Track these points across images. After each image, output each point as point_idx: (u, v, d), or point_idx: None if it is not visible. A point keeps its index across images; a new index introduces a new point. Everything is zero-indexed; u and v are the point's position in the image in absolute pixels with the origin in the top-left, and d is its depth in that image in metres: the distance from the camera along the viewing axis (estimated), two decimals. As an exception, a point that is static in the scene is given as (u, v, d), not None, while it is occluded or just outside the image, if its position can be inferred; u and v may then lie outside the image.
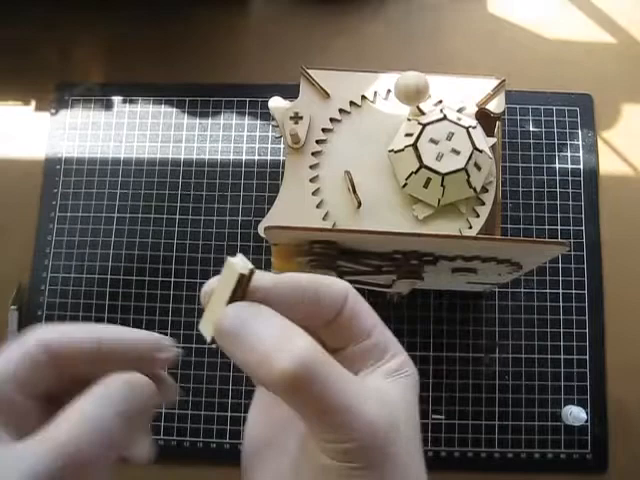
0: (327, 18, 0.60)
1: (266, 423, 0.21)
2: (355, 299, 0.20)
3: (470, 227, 0.41)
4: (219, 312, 0.18)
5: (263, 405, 0.22)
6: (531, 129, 0.56)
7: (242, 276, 0.18)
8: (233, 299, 0.18)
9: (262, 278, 0.18)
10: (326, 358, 0.17)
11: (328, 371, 0.17)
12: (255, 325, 0.17)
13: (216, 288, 0.19)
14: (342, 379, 0.17)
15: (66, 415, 0.16)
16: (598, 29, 0.59)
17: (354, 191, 0.41)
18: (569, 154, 0.55)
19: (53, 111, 0.58)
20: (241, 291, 0.18)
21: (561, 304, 0.52)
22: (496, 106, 0.44)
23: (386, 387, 0.19)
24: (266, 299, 0.18)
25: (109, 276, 0.54)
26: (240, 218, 0.55)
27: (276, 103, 0.44)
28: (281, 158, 0.55)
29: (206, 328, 0.19)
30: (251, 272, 0.18)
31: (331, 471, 0.17)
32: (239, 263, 0.18)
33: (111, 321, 0.53)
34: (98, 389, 0.17)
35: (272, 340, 0.17)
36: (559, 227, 0.54)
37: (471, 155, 0.39)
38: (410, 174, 0.40)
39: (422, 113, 0.42)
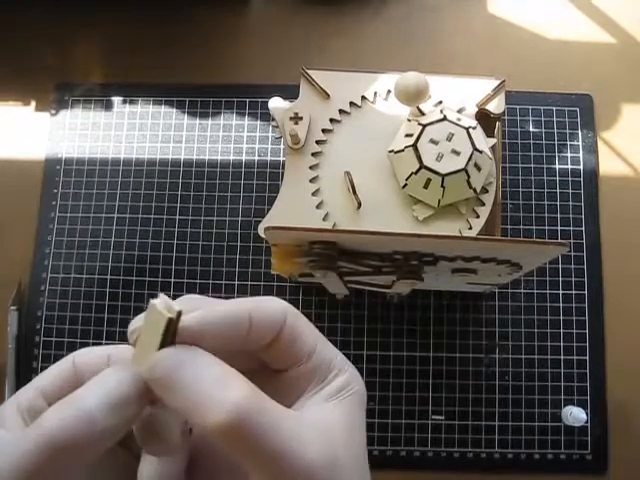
0: (327, 18, 0.60)
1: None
2: (294, 320, 0.19)
3: (470, 228, 0.41)
4: (149, 357, 0.17)
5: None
6: (531, 130, 0.56)
7: (170, 320, 0.17)
8: (164, 344, 0.17)
9: (192, 318, 0.18)
10: (261, 404, 0.17)
11: (264, 419, 0.16)
12: (187, 373, 0.17)
13: (143, 330, 0.18)
14: (279, 424, 0.17)
15: (55, 406, 0.17)
16: (598, 29, 0.59)
17: (354, 192, 0.41)
18: (569, 155, 0.55)
19: (53, 111, 0.58)
20: (171, 334, 0.17)
21: (561, 305, 0.52)
22: (496, 107, 0.44)
23: (327, 415, 0.18)
24: (198, 338, 0.18)
25: (109, 276, 0.54)
26: (240, 218, 0.55)
27: (276, 103, 0.44)
28: (281, 159, 0.55)
29: (137, 369, 0.18)
30: (179, 314, 0.17)
31: None
32: (164, 305, 0.17)
33: (111, 321, 0.53)
34: (90, 381, 0.17)
35: (205, 389, 0.16)
36: (559, 228, 0.54)
37: (471, 156, 0.39)
38: (410, 175, 0.40)
39: (422, 114, 0.42)
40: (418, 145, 0.39)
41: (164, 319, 0.17)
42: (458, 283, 0.45)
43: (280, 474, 0.16)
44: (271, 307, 0.19)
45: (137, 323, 0.19)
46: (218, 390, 0.16)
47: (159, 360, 0.17)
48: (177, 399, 0.17)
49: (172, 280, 0.54)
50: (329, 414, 0.18)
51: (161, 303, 0.18)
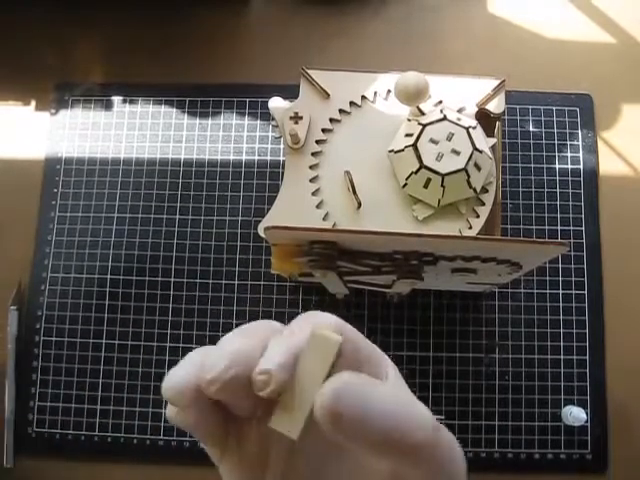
0: (327, 18, 0.60)
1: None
2: (349, 331, 0.19)
3: (470, 227, 0.41)
4: (317, 396, 0.15)
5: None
6: (531, 129, 0.56)
7: (340, 345, 0.16)
8: (329, 375, 0.16)
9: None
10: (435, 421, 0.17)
11: (446, 432, 0.17)
12: (374, 398, 0.15)
13: (298, 370, 0.16)
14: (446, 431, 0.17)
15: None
16: (598, 29, 0.59)
17: (354, 191, 0.41)
18: (569, 154, 0.55)
19: (53, 111, 0.58)
20: (334, 366, 0.16)
21: (561, 304, 0.52)
22: (496, 106, 0.44)
23: (404, 394, 0.19)
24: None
25: (109, 276, 0.54)
26: (240, 218, 0.55)
27: (276, 103, 0.44)
28: (281, 158, 0.55)
29: (285, 422, 0.16)
30: (342, 343, 0.16)
31: None
32: (328, 334, 0.16)
33: (111, 321, 0.53)
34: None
35: (400, 411, 0.16)
36: (559, 227, 0.54)
37: (471, 155, 0.39)
38: (410, 174, 0.40)
39: (422, 113, 0.42)
40: (418, 145, 0.39)
41: (335, 346, 0.16)
42: (458, 283, 0.45)
43: (457, 476, 0.17)
44: (329, 322, 0.18)
45: (279, 374, 0.16)
46: (413, 410, 0.16)
47: (342, 389, 0.15)
48: (366, 430, 0.15)
49: (172, 280, 0.54)
50: (403, 394, 0.19)
51: (328, 332, 0.16)
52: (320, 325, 0.17)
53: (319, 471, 0.19)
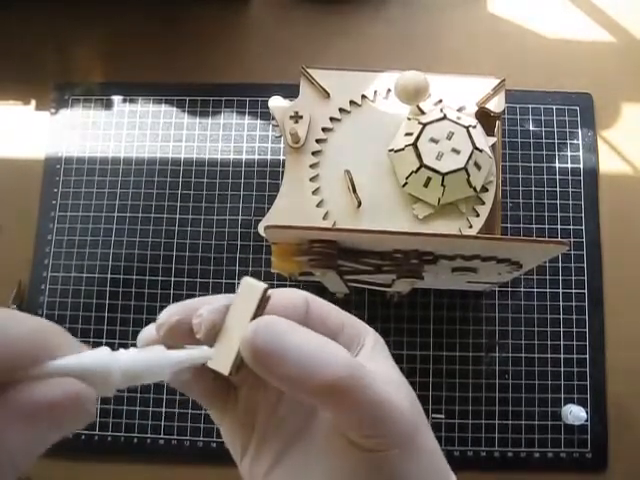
0: (327, 18, 0.60)
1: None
2: (314, 301, 0.20)
3: (470, 226, 0.41)
4: (242, 334, 0.17)
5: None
6: (531, 128, 0.56)
7: (265, 291, 0.18)
8: (255, 317, 0.18)
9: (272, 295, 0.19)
10: (360, 363, 0.18)
11: (366, 372, 0.18)
12: (294, 336, 0.17)
13: (229, 315, 0.18)
14: (374, 377, 0.18)
15: None
16: (598, 29, 0.59)
17: (354, 190, 0.41)
18: (569, 153, 0.55)
19: (53, 111, 0.58)
20: (262, 310, 0.18)
21: (561, 303, 0.52)
22: (496, 105, 0.44)
23: (380, 366, 0.20)
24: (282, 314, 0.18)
25: (109, 275, 0.54)
26: (240, 217, 0.55)
27: (276, 102, 0.44)
28: (281, 157, 0.55)
29: (219, 361, 0.18)
30: (266, 289, 0.18)
31: (363, 461, 0.18)
32: (254, 282, 0.18)
33: (111, 320, 0.53)
34: None
35: (315, 349, 0.17)
36: (559, 226, 0.54)
37: (471, 154, 0.39)
38: (410, 173, 0.40)
39: (422, 112, 0.42)
40: (418, 144, 0.39)
41: (259, 291, 0.18)
42: (458, 282, 0.45)
43: (380, 420, 0.18)
44: (292, 293, 0.20)
45: (208, 315, 0.18)
46: (327, 350, 0.17)
47: (261, 329, 0.17)
48: (284, 366, 0.16)
49: (172, 279, 0.54)
50: (383, 367, 0.20)
51: (253, 280, 0.18)
52: (247, 278, 0.18)
53: (297, 431, 0.21)
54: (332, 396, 0.17)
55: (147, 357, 0.17)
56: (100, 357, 0.16)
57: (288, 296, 0.20)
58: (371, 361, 0.20)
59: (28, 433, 0.14)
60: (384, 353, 0.21)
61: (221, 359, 0.18)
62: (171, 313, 0.19)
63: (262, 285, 0.18)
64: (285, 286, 0.53)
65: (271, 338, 0.17)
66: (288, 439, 0.20)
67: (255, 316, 0.18)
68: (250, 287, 0.18)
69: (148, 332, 0.19)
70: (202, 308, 0.18)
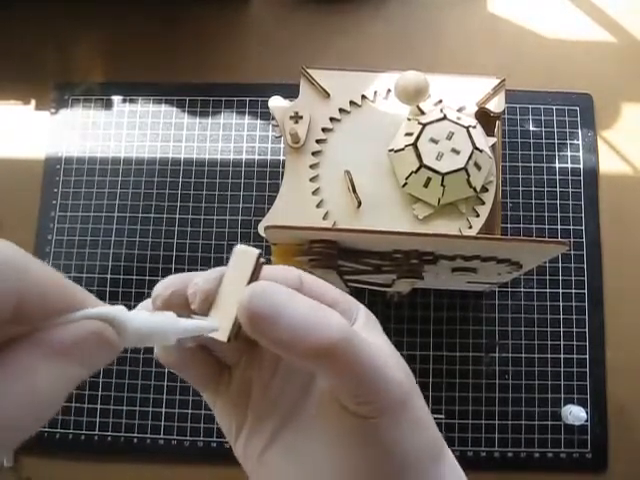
0: (327, 18, 0.60)
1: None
2: (308, 277, 0.21)
3: (470, 227, 0.41)
4: (239, 299, 0.17)
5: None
6: (531, 129, 0.56)
7: (259, 256, 0.18)
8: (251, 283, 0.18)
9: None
10: (354, 329, 0.18)
11: (359, 338, 0.18)
12: (288, 301, 0.17)
13: (223, 283, 0.18)
14: (369, 343, 0.18)
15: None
16: (598, 29, 0.59)
17: (354, 190, 0.41)
18: (569, 154, 0.55)
19: (53, 110, 0.58)
20: (256, 276, 0.18)
21: (561, 303, 0.52)
22: (496, 106, 0.44)
23: (375, 339, 0.20)
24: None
25: (109, 275, 0.54)
26: (240, 217, 0.55)
27: (276, 102, 0.44)
28: (281, 158, 0.55)
29: (217, 330, 0.18)
30: (260, 254, 0.18)
31: (356, 429, 0.18)
32: (248, 248, 0.18)
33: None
34: None
35: (309, 313, 0.17)
36: (559, 226, 0.54)
37: (471, 155, 0.39)
38: (410, 173, 0.40)
39: (422, 112, 0.42)
40: (418, 144, 0.39)
41: (254, 256, 0.18)
42: (458, 282, 0.45)
43: (375, 387, 0.18)
44: (285, 270, 0.20)
45: (202, 285, 0.18)
46: (321, 314, 0.17)
47: (257, 293, 0.17)
48: (279, 330, 0.17)
49: (172, 279, 0.54)
50: (376, 339, 0.20)
51: (246, 247, 0.18)
52: (240, 245, 0.18)
53: (290, 410, 0.21)
54: (327, 358, 0.17)
55: (158, 320, 0.17)
56: (117, 312, 0.16)
57: (281, 273, 0.20)
58: (364, 333, 0.20)
59: (58, 369, 0.14)
60: (377, 328, 0.21)
61: (219, 326, 0.18)
62: (166, 285, 0.19)
63: (255, 251, 0.18)
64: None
65: (267, 302, 0.17)
66: (282, 418, 0.21)
67: (250, 282, 0.18)
68: (243, 254, 0.18)
69: (146, 305, 0.20)
70: (196, 279, 0.19)
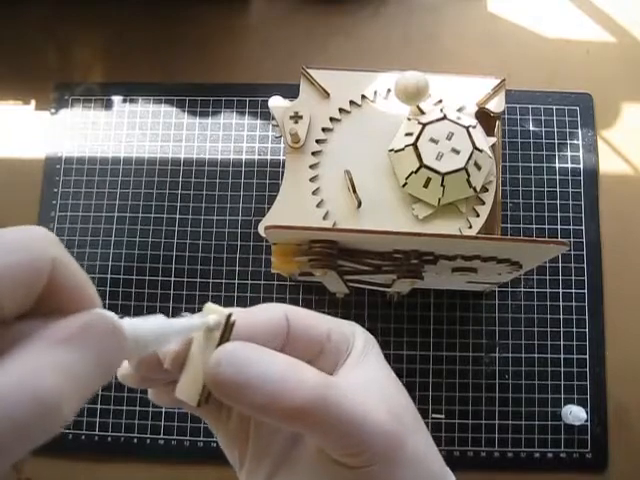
0: (327, 18, 0.60)
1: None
2: (296, 314, 0.20)
3: (470, 227, 0.41)
4: (206, 364, 0.17)
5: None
6: (531, 129, 0.56)
7: (228, 317, 0.17)
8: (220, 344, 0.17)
9: (240, 319, 0.18)
10: (330, 380, 0.18)
11: (338, 393, 0.17)
12: (256, 365, 0.16)
13: (193, 344, 0.18)
14: (348, 395, 0.17)
15: None
16: (598, 29, 0.59)
17: (354, 190, 0.41)
18: (569, 154, 0.55)
19: (53, 111, 0.58)
20: (227, 335, 0.17)
21: (561, 303, 0.52)
22: (496, 106, 0.44)
23: (368, 374, 0.20)
24: (249, 339, 0.18)
25: (109, 275, 0.54)
26: (240, 218, 0.55)
27: (276, 102, 0.44)
28: (281, 158, 0.55)
29: (186, 392, 0.18)
30: (230, 315, 0.17)
31: (349, 478, 0.18)
32: (217, 308, 0.17)
33: (111, 321, 0.53)
34: None
35: (279, 377, 0.17)
36: (559, 226, 0.54)
37: (471, 155, 0.39)
38: (410, 173, 0.40)
39: (422, 112, 0.42)
40: (418, 144, 0.39)
41: (222, 317, 0.17)
42: (458, 282, 0.45)
43: (357, 441, 0.17)
44: (270, 310, 0.19)
45: (176, 348, 0.18)
46: (292, 375, 0.17)
47: (225, 356, 0.16)
48: (250, 395, 0.16)
49: (172, 279, 0.54)
50: (368, 372, 0.20)
51: (215, 306, 0.18)
52: (209, 304, 0.18)
53: (286, 450, 0.20)
54: (302, 420, 0.17)
55: (153, 325, 0.17)
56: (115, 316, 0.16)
57: (264, 317, 0.19)
58: (355, 369, 0.20)
59: (66, 355, 0.14)
60: (374, 354, 0.21)
61: (189, 389, 0.18)
62: None
63: (225, 311, 0.17)
64: (285, 286, 0.53)
65: (234, 368, 0.16)
66: (275, 463, 0.20)
67: (220, 343, 0.17)
68: (212, 313, 0.18)
69: (123, 364, 0.19)
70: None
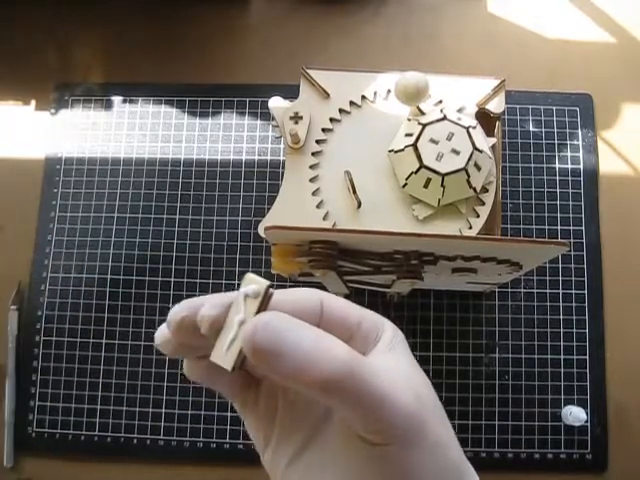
0: (327, 18, 0.60)
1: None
2: (329, 299, 0.21)
3: (470, 227, 0.41)
4: (244, 329, 0.17)
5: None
6: (531, 129, 0.56)
7: (268, 287, 0.18)
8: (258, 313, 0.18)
9: (278, 294, 0.19)
10: (361, 358, 0.18)
11: (366, 368, 0.18)
12: (292, 334, 0.17)
13: (232, 310, 0.19)
14: (377, 372, 0.18)
15: None
16: (598, 29, 0.59)
17: (354, 191, 0.41)
18: (569, 154, 0.55)
19: (53, 111, 0.58)
20: (264, 306, 0.18)
21: (561, 304, 0.52)
22: (496, 106, 0.43)
23: (395, 362, 0.20)
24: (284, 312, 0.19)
25: (109, 276, 0.54)
26: (240, 218, 0.55)
27: (276, 103, 0.44)
28: (281, 158, 0.55)
29: (222, 357, 0.18)
30: (269, 286, 0.18)
31: (372, 455, 0.19)
32: (257, 278, 0.18)
33: (111, 321, 0.53)
34: None
35: (312, 346, 0.17)
36: (559, 227, 0.54)
37: (471, 155, 0.39)
38: (410, 174, 0.40)
39: (422, 113, 0.42)
40: (418, 144, 0.39)
41: (263, 287, 0.18)
42: (458, 282, 0.45)
43: (382, 417, 0.18)
44: (305, 294, 0.21)
45: (208, 311, 0.19)
46: (324, 347, 0.17)
47: (262, 324, 0.17)
48: (283, 361, 0.17)
49: (172, 279, 0.54)
50: (395, 361, 0.20)
51: (256, 277, 0.19)
52: (250, 274, 0.19)
53: (315, 427, 0.21)
54: (330, 391, 0.17)
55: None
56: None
57: (301, 297, 0.20)
58: (384, 354, 0.20)
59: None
60: (401, 346, 0.21)
61: (224, 354, 0.18)
62: (177, 310, 0.19)
63: (265, 282, 0.18)
64: (285, 287, 0.53)
65: (270, 335, 0.17)
66: (305, 438, 0.21)
67: (258, 312, 0.18)
68: (253, 283, 0.18)
69: (162, 330, 0.20)
70: (205, 304, 0.19)
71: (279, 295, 0.20)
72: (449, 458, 0.20)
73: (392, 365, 0.20)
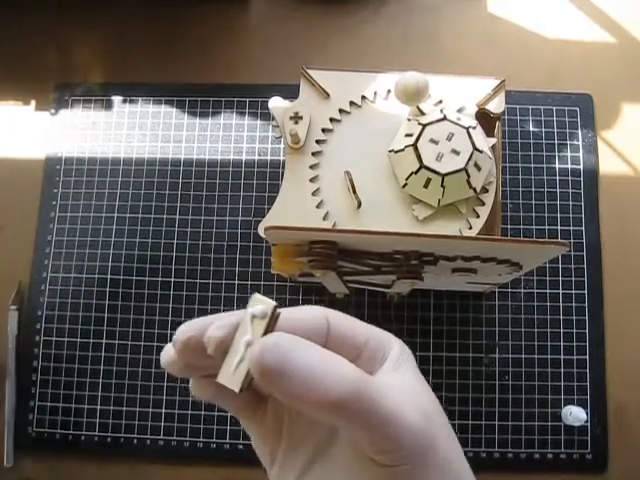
0: (327, 18, 0.60)
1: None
2: (337, 317, 0.21)
3: (470, 227, 0.41)
4: (251, 350, 0.17)
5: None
6: (531, 129, 0.56)
7: (274, 309, 0.18)
8: (265, 334, 0.18)
9: (285, 312, 0.19)
10: (369, 378, 0.18)
11: (374, 388, 0.18)
12: (299, 355, 0.17)
13: (239, 331, 0.19)
14: (384, 391, 0.18)
15: None
16: (598, 29, 0.59)
17: (354, 191, 0.41)
18: (569, 154, 0.55)
19: (53, 111, 0.58)
20: (271, 327, 0.18)
21: (561, 304, 0.52)
22: (496, 106, 0.43)
23: (402, 380, 0.20)
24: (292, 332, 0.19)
25: (109, 276, 0.54)
26: (240, 218, 0.55)
27: (276, 103, 0.44)
28: (281, 158, 0.55)
29: (229, 378, 0.18)
30: (276, 306, 0.18)
31: (380, 475, 0.19)
32: (264, 299, 0.18)
33: (111, 321, 0.53)
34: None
35: (319, 367, 0.17)
36: (559, 227, 0.54)
37: (471, 155, 0.39)
38: (410, 174, 0.40)
39: (422, 113, 0.42)
40: (418, 145, 0.39)
41: (269, 308, 0.18)
42: (458, 282, 0.45)
43: (389, 437, 0.18)
44: (311, 312, 0.21)
45: (215, 332, 0.19)
46: (331, 367, 0.17)
47: (267, 347, 0.17)
48: (290, 384, 0.17)
49: (172, 280, 0.54)
50: (402, 378, 0.20)
51: (263, 297, 0.19)
52: (257, 295, 0.19)
53: (321, 444, 0.21)
54: (338, 413, 0.17)
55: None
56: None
57: (308, 316, 0.20)
58: (391, 373, 0.20)
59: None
60: (408, 363, 0.21)
61: (231, 375, 0.18)
62: (183, 330, 0.19)
63: (272, 303, 0.18)
64: (284, 287, 0.53)
65: (278, 356, 0.17)
66: (311, 455, 0.21)
67: (265, 333, 0.18)
68: (260, 304, 0.18)
69: (167, 350, 0.20)
70: (212, 325, 0.19)
71: (285, 314, 0.19)
72: (459, 476, 0.20)
73: (399, 383, 0.20)
